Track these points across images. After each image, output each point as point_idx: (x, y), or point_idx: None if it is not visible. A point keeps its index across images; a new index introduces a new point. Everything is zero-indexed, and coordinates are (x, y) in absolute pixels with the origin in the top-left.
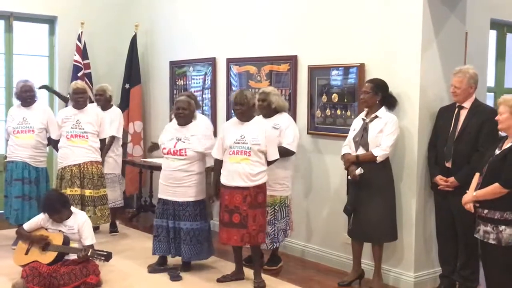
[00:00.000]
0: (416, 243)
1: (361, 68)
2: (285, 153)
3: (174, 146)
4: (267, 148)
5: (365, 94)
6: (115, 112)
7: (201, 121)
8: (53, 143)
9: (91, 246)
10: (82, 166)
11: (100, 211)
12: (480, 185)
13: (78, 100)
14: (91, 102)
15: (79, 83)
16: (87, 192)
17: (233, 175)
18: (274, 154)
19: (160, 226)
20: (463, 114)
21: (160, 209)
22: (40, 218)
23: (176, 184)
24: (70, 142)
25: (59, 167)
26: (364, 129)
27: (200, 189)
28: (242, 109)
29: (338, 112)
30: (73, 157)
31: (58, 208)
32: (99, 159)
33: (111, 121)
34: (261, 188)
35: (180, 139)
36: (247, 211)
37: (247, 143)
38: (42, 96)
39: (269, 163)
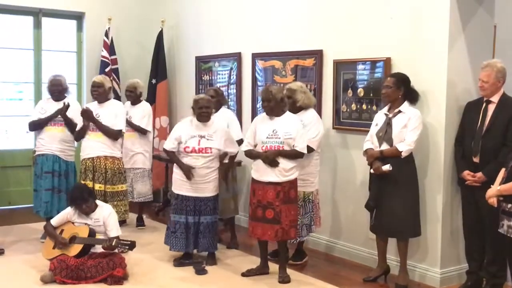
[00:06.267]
0: (443, 239)
1: (387, 62)
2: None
3: (198, 144)
4: (296, 140)
5: (388, 88)
6: (145, 107)
7: (222, 116)
8: (76, 133)
9: (117, 237)
10: (95, 160)
11: (115, 207)
12: (505, 180)
13: (93, 93)
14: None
15: (98, 77)
16: (97, 186)
17: (266, 170)
18: (302, 147)
19: (178, 222)
20: (491, 108)
21: (178, 205)
22: (67, 213)
23: (199, 180)
24: (88, 135)
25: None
26: (388, 124)
27: (217, 184)
28: (270, 105)
29: (364, 106)
30: (88, 150)
31: (86, 197)
32: (116, 154)
33: (142, 117)
34: (293, 183)
35: (203, 137)
36: (280, 207)
37: (279, 138)
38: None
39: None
